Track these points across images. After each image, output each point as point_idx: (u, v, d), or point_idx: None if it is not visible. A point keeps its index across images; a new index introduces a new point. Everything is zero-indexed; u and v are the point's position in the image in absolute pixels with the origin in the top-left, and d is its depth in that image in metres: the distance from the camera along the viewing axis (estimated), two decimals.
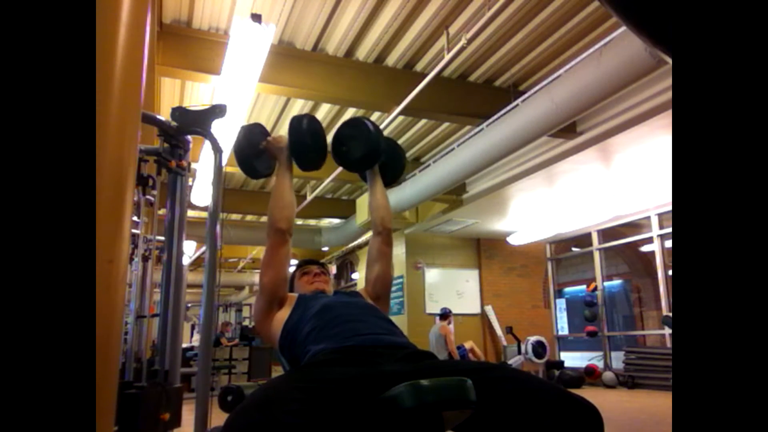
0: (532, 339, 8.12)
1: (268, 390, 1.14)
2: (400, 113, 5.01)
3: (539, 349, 8.05)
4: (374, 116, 6.07)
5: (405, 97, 4.65)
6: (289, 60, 4.68)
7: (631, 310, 13.02)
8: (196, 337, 10.72)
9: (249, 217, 10.18)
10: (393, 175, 2.00)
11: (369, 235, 9.99)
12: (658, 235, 7.58)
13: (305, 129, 1.77)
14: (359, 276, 11.19)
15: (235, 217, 9.85)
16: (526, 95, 4.76)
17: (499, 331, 8.99)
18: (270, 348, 1.93)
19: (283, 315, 1.61)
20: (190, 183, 5.41)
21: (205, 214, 6.67)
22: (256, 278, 14.34)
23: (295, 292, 1.88)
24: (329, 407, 1.10)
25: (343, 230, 9.36)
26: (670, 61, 0.90)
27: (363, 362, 1.31)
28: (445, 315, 7.62)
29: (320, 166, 1.85)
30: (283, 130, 6.47)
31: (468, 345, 7.38)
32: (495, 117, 5.03)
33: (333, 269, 12.36)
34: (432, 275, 9.06)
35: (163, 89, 5.34)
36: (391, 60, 5.00)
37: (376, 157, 1.85)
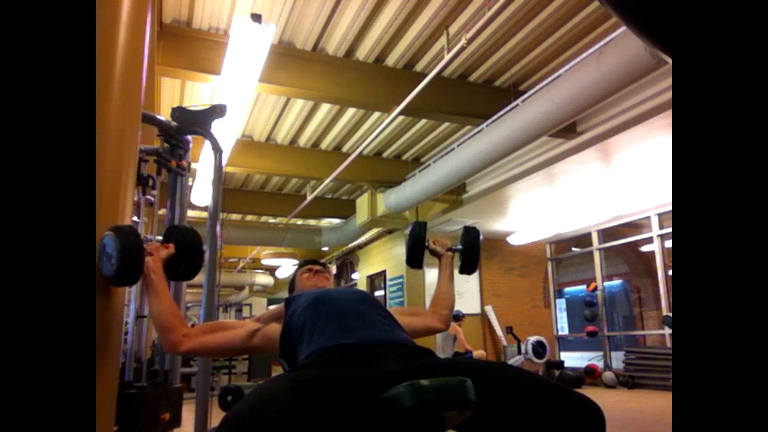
0: (532, 339, 8.12)
1: (262, 390, 1.14)
2: (400, 113, 5.01)
3: (539, 349, 8.05)
4: (374, 116, 6.08)
5: (405, 97, 4.65)
6: (289, 60, 4.68)
7: (631, 310, 13.01)
8: None
9: (249, 217, 10.19)
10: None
11: (369, 234, 10.02)
12: (658, 235, 7.58)
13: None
14: (359, 276, 11.19)
15: (235, 217, 9.85)
16: (526, 95, 4.76)
17: (499, 331, 8.98)
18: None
19: (275, 328, 1.59)
20: (190, 183, 5.41)
21: (205, 214, 6.68)
22: (256, 278, 14.44)
23: (295, 293, 1.88)
24: (324, 407, 1.09)
25: (343, 230, 9.36)
26: (670, 61, 0.90)
27: (361, 361, 1.30)
28: (456, 317, 7.65)
29: (130, 268, 1.50)
30: (283, 130, 6.49)
31: (476, 354, 7.41)
32: (495, 117, 5.03)
33: (333, 269, 12.36)
34: (432, 275, 8.96)
35: (163, 89, 5.35)
36: (391, 60, 5.00)
37: (476, 269, 2.04)
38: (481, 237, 2.06)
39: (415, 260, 2.02)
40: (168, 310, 1.55)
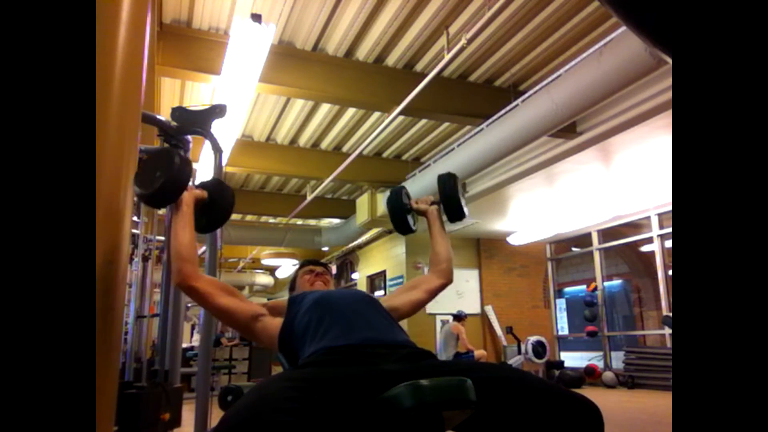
0: (532, 339, 8.13)
1: (261, 389, 1.14)
2: (400, 113, 5.01)
3: (539, 349, 8.05)
4: (374, 116, 6.08)
5: (405, 97, 4.65)
6: (289, 60, 4.68)
7: (631, 310, 13.01)
8: (196, 337, 10.71)
9: (249, 217, 10.19)
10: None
11: (369, 234, 10.01)
12: (658, 235, 7.58)
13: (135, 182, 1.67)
14: (359, 276, 11.19)
15: (235, 217, 9.81)
16: (526, 95, 4.76)
17: (499, 331, 8.99)
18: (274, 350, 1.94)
19: (275, 322, 1.59)
20: (190, 183, 5.40)
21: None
22: (257, 278, 14.45)
23: (294, 292, 1.88)
24: (324, 406, 1.09)
25: (343, 230, 9.36)
26: (670, 61, 0.90)
27: (361, 361, 1.30)
28: (459, 317, 7.66)
29: (173, 188, 1.68)
30: (283, 130, 6.49)
31: (477, 353, 7.42)
32: (495, 117, 5.03)
33: (333, 269, 12.36)
34: None
35: (163, 89, 5.35)
36: (391, 60, 5.00)
37: (463, 214, 1.96)
38: (460, 181, 2.00)
39: (401, 226, 1.98)
40: (191, 243, 1.62)
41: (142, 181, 1.60)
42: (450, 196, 1.91)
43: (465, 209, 1.94)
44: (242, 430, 0.99)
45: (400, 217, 1.95)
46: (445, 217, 1.97)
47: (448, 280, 1.91)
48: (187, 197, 1.67)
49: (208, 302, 1.59)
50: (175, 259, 1.60)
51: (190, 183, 1.74)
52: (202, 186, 1.80)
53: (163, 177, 1.58)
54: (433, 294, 1.87)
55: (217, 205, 1.81)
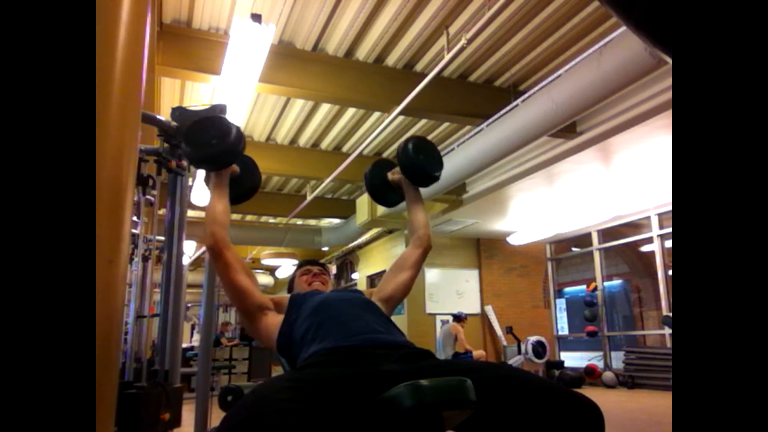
0: (532, 339, 8.13)
1: (261, 389, 1.14)
2: (400, 113, 5.00)
3: (539, 349, 8.05)
4: (374, 116, 6.08)
5: (405, 97, 4.65)
6: (289, 60, 4.68)
7: (631, 310, 13.02)
8: (196, 337, 10.72)
9: (249, 217, 10.19)
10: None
11: (369, 234, 10.01)
12: (658, 235, 7.58)
13: (186, 138, 1.77)
14: (359, 276, 11.19)
15: (235, 217, 9.79)
16: (526, 95, 4.76)
17: (499, 331, 8.99)
18: (270, 348, 1.95)
19: (277, 319, 1.60)
20: (190, 183, 5.41)
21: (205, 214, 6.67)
22: (256, 278, 14.39)
23: (293, 292, 1.88)
24: (323, 407, 1.09)
25: (343, 230, 9.36)
26: (670, 61, 0.90)
27: (361, 362, 1.30)
28: (459, 317, 7.67)
29: (228, 157, 1.79)
30: (283, 130, 6.49)
31: (476, 353, 7.42)
32: (495, 117, 5.03)
33: (333, 269, 12.36)
34: (432, 275, 9.05)
35: (163, 89, 5.35)
36: (391, 60, 5.00)
37: (436, 180, 1.94)
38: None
39: (379, 199, 2.01)
40: (226, 211, 1.71)
41: (193, 141, 1.72)
42: (407, 165, 1.89)
43: (434, 170, 1.89)
44: (244, 430, 0.99)
45: (378, 190, 1.99)
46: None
47: (428, 246, 1.87)
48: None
49: (229, 274, 1.62)
50: (211, 222, 1.66)
51: (153, 240, 1.82)
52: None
53: (220, 145, 1.70)
54: (418, 265, 1.85)
55: (242, 184, 1.90)
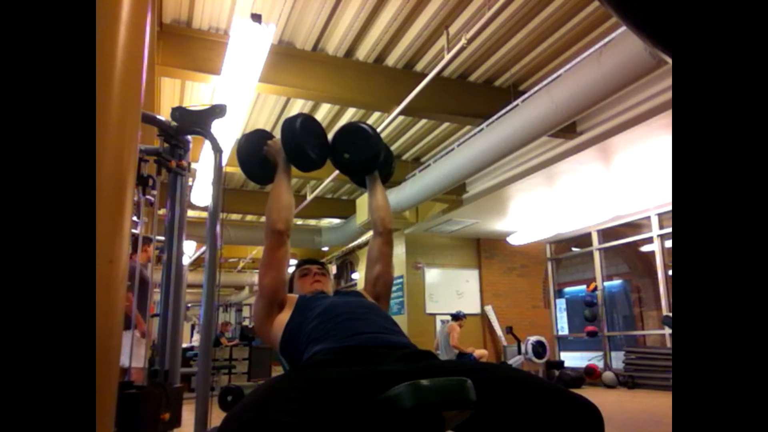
0: (532, 339, 8.12)
1: (264, 389, 1.14)
2: (400, 113, 5.01)
3: (539, 349, 8.05)
4: (374, 116, 6.07)
5: (405, 97, 4.65)
6: (289, 60, 4.68)
7: (631, 310, 13.01)
8: (196, 337, 10.72)
9: (249, 217, 10.18)
10: (387, 174, 2.01)
11: (369, 234, 10.00)
12: (658, 235, 7.58)
13: (298, 130, 1.76)
14: (359, 276, 11.18)
15: (235, 217, 9.85)
16: (526, 95, 4.76)
17: (499, 331, 8.98)
18: (270, 348, 1.95)
19: (283, 317, 1.60)
20: (190, 183, 5.41)
21: (205, 214, 6.68)
22: (257, 278, 14.30)
23: (294, 293, 1.88)
24: (325, 407, 1.09)
25: (343, 230, 9.36)
26: (670, 61, 0.90)
27: (362, 362, 1.30)
28: (457, 317, 7.66)
29: (320, 165, 1.83)
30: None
31: (478, 353, 7.41)
32: (495, 117, 5.03)
33: (333, 269, 12.36)
34: (432, 275, 9.05)
35: (163, 89, 5.35)
36: (391, 60, 5.00)
37: (377, 161, 1.88)
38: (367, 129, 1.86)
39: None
40: (293, 200, 1.76)
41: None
42: (337, 166, 1.88)
43: (362, 157, 1.83)
44: (246, 430, 0.99)
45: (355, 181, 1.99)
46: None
47: (384, 230, 1.84)
48: (271, 149, 1.82)
49: (282, 263, 1.64)
50: (282, 208, 1.67)
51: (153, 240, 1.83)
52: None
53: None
54: (384, 254, 1.82)
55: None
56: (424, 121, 6.23)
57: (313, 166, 1.81)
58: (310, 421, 1.03)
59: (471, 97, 5.38)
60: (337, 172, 6.42)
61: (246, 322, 15.77)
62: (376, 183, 1.91)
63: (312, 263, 1.94)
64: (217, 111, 2.39)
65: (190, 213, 6.36)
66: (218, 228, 2.34)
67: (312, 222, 10.47)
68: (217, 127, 2.46)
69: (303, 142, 1.76)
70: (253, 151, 1.86)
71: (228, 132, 5.10)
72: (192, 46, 4.41)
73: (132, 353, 2.46)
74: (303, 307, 1.62)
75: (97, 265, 1.43)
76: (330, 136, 1.88)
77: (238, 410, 1.06)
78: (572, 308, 10.00)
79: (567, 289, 11.89)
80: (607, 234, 8.68)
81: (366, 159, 1.85)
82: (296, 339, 1.52)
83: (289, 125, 1.77)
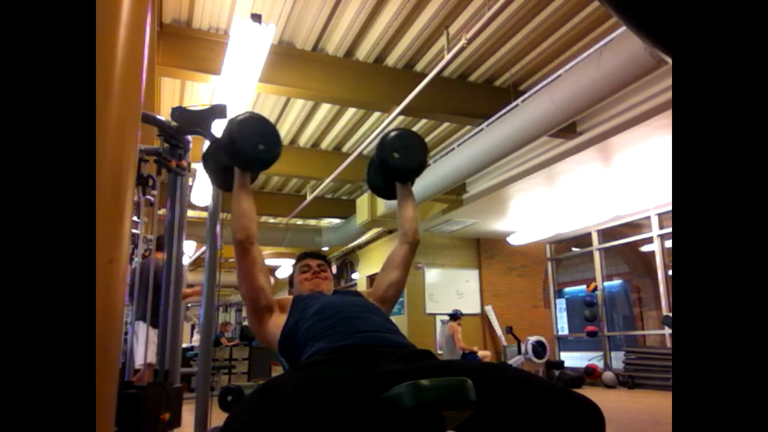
0: (532, 339, 8.12)
1: (265, 389, 1.14)
2: (400, 113, 5.00)
3: (539, 349, 8.05)
4: (374, 116, 6.08)
5: (405, 97, 4.65)
6: (289, 60, 4.68)
7: (631, 310, 13.01)
8: (196, 337, 10.72)
9: None
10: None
11: (369, 234, 10.01)
12: (658, 235, 7.58)
13: (232, 136, 1.71)
14: (359, 276, 11.18)
15: None
16: (526, 95, 4.76)
17: (499, 331, 8.99)
18: (271, 348, 1.95)
19: (280, 320, 1.61)
20: (190, 183, 5.41)
21: (205, 214, 6.68)
22: None
23: (294, 289, 1.88)
24: (327, 407, 1.09)
25: (343, 230, 9.36)
26: (670, 61, 0.90)
27: (362, 361, 1.30)
28: (455, 316, 7.67)
29: (269, 165, 1.77)
30: (283, 130, 6.48)
31: (482, 354, 7.41)
32: (495, 117, 5.03)
33: (333, 269, 12.36)
34: (432, 275, 9.05)
35: (163, 89, 5.34)
36: (391, 60, 5.00)
37: (420, 170, 1.89)
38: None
39: (385, 196, 1.98)
40: (254, 206, 1.73)
41: (240, 139, 1.69)
42: (381, 165, 1.87)
43: (412, 163, 1.84)
44: (248, 430, 0.99)
45: (380, 191, 1.98)
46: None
47: (413, 240, 1.85)
48: None
49: (253, 270, 1.63)
50: (240, 216, 1.67)
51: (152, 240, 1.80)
52: None
53: (267, 153, 1.71)
54: (407, 262, 1.82)
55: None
56: (424, 121, 6.23)
57: (261, 165, 1.77)
58: (311, 421, 1.03)
59: (471, 97, 5.38)
60: (337, 171, 6.43)
61: (246, 322, 15.75)
62: (410, 193, 1.91)
63: (313, 257, 1.91)
64: (217, 111, 2.40)
65: (190, 213, 6.36)
66: (218, 228, 2.34)
67: (312, 222, 10.47)
68: (217, 127, 2.46)
69: (240, 146, 1.71)
70: (218, 159, 1.89)
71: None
72: (192, 46, 4.41)
73: (134, 353, 2.46)
74: (299, 306, 1.62)
75: (97, 265, 1.43)
76: (384, 134, 1.90)
77: (240, 410, 1.06)
78: (572, 308, 10.00)
79: (567, 289, 11.89)
80: (607, 234, 8.68)
81: (413, 165, 1.86)
82: (294, 338, 1.52)
83: (227, 132, 1.75)
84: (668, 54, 0.89)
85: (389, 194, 1.97)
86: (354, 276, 11.80)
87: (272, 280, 14.77)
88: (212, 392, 2.16)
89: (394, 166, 1.85)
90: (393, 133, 1.88)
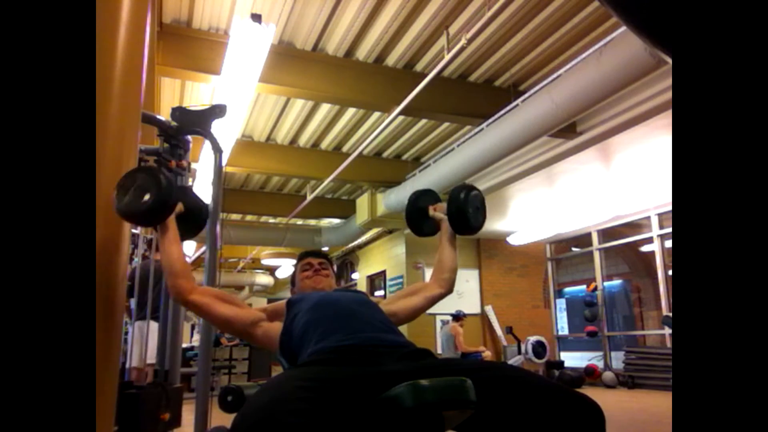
0: (532, 339, 8.12)
1: (272, 389, 1.14)
2: (400, 113, 5.00)
3: (539, 349, 8.05)
4: (374, 116, 6.08)
5: (405, 97, 4.65)
6: (289, 60, 4.68)
7: (631, 310, 13.01)
8: (196, 337, 10.71)
9: (249, 217, 10.18)
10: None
11: (369, 234, 10.00)
12: (658, 235, 7.58)
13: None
14: (359, 276, 11.18)
15: (235, 217, 9.85)
16: (526, 95, 4.76)
17: (499, 331, 8.98)
18: (273, 352, 1.96)
19: (275, 327, 1.60)
20: (190, 183, 5.40)
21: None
22: (257, 278, 14.44)
23: (295, 287, 1.87)
24: (333, 407, 1.10)
25: (343, 230, 9.36)
26: (670, 61, 0.90)
27: (363, 361, 1.30)
28: (457, 317, 7.66)
29: (164, 211, 1.66)
30: (283, 130, 6.49)
31: (483, 355, 7.41)
32: (495, 117, 5.03)
33: (334, 268, 12.32)
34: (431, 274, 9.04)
35: (163, 89, 5.34)
36: (391, 60, 5.00)
37: (475, 231, 1.92)
38: (475, 194, 1.91)
39: (413, 225, 2.02)
40: (182, 257, 1.66)
41: (126, 202, 1.54)
42: (455, 212, 1.88)
43: (477, 223, 1.89)
44: (257, 430, 1.00)
45: (414, 219, 2.00)
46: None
47: (448, 291, 1.88)
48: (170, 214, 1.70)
49: (208, 313, 1.63)
50: (169, 275, 1.63)
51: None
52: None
53: (153, 199, 1.55)
54: (432, 302, 1.85)
55: (193, 214, 1.89)
56: (424, 121, 6.23)
57: (152, 215, 1.64)
58: (318, 421, 1.04)
59: (471, 97, 5.37)
60: (337, 171, 6.43)
61: None
62: (455, 243, 1.93)
63: (315, 256, 1.91)
64: (217, 111, 2.40)
65: None
66: (218, 228, 2.34)
67: (312, 222, 10.47)
68: (217, 127, 2.46)
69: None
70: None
71: (228, 132, 5.10)
72: (192, 46, 4.41)
73: (132, 352, 2.46)
74: (293, 308, 1.61)
75: (97, 265, 1.43)
76: (468, 187, 1.94)
77: (249, 410, 1.06)
78: (572, 308, 10.00)
79: (567, 289, 11.88)
80: (607, 234, 8.68)
81: (474, 224, 1.90)
82: (291, 336, 1.52)
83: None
84: (668, 54, 0.89)
85: (420, 226, 2.01)
86: (354, 276, 11.80)
87: (272, 280, 14.78)
88: (212, 392, 2.16)
89: (465, 218, 1.87)
90: (471, 189, 1.92)
